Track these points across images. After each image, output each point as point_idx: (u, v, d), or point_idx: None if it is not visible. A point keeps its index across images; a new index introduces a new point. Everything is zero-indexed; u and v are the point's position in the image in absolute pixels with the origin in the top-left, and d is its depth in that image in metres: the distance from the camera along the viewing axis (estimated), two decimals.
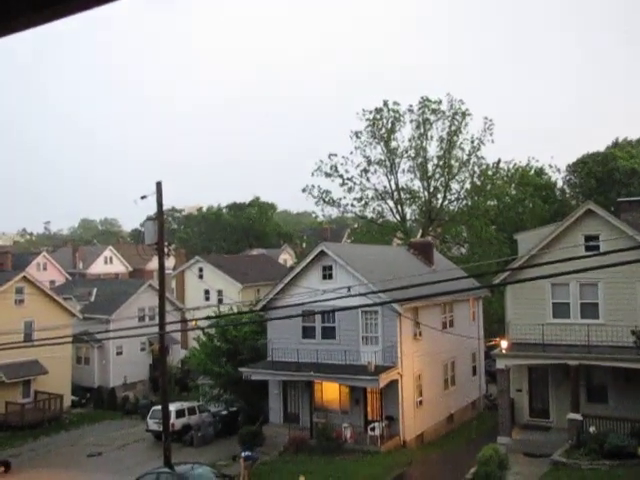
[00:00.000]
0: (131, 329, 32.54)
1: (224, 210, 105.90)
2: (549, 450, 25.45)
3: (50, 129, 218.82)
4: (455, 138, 53.32)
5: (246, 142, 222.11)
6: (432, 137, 53.64)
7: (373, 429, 29.72)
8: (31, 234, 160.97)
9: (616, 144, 67.81)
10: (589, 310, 28.08)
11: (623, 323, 26.54)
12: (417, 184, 55.04)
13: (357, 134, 54.17)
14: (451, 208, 56.24)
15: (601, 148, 67.05)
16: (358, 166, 54.31)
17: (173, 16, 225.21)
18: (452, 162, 53.84)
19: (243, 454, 27.28)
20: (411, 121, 53.63)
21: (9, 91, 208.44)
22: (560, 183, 64.93)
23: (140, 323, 46.03)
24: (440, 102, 53.28)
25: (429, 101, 53.34)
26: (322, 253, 32.35)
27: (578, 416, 25.96)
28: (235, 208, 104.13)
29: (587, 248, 26.83)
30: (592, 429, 25.50)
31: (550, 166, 62.74)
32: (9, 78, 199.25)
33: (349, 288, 27.09)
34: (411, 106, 53.49)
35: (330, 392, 32.02)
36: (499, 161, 55.65)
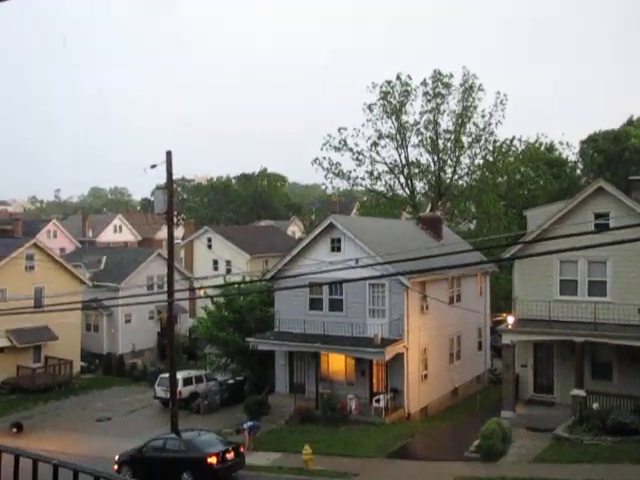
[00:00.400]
0: (140, 297, 32.84)
1: (233, 181, 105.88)
2: (552, 425, 25.66)
3: (62, 96, 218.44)
4: (467, 112, 52.83)
5: (259, 113, 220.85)
6: (444, 111, 53.19)
7: (378, 401, 30.01)
8: (41, 201, 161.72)
9: (631, 122, 66.89)
10: (597, 288, 28.07)
11: (630, 301, 26.52)
12: (427, 158, 54.75)
13: (370, 107, 53.76)
14: (460, 183, 55.96)
15: (616, 126, 66.26)
16: (368, 139, 54.03)
17: None
18: (463, 137, 53.42)
19: (245, 425, 27.66)
20: (423, 94, 53.13)
21: (24, 55, 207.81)
22: (572, 159, 64.39)
23: (149, 291, 46.40)
24: (452, 76, 52.72)
25: (441, 74, 52.78)
26: (331, 225, 32.37)
27: (582, 392, 26.12)
28: (244, 179, 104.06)
29: (597, 226, 26.71)
30: (595, 405, 25.68)
31: (561, 143, 62.21)
32: (25, 41, 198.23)
33: (357, 260, 27.19)
34: (424, 80, 52.96)
35: (336, 363, 32.30)
36: (513, 138, 55.22)
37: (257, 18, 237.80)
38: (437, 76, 52.77)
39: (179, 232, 70.17)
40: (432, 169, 54.71)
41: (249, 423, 27.78)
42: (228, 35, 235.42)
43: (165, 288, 32.23)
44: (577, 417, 25.53)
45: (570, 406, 26.32)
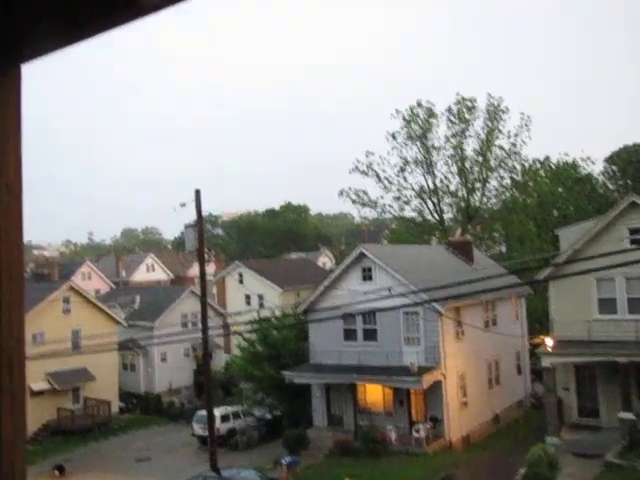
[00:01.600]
0: (174, 335, 33.03)
1: (260, 216, 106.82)
2: (600, 451, 24.91)
3: (93, 141, 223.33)
4: (492, 136, 52.79)
5: (279, 145, 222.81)
6: (470, 135, 53.24)
7: (418, 430, 29.56)
8: (75, 245, 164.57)
9: None
10: (637, 305, 27.45)
11: None
12: (455, 182, 54.66)
13: (393, 135, 54.06)
14: (489, 206, 55.68)
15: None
16: (395, 166, 54.23)
17: (213, 23, 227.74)
18: (490, 159, 53.31)
19: (284, 460, 27.44)
20: (447, 120, 53.31)
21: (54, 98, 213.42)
22: (597, 176, 63.54)
23: (183, 329, 46.65)
24: (475, 100, 52.87)
25: (464, 99, 52.95)
26: (361, 255, 32.35)
27: (630, 415, 25.37)
28: (270, 214, 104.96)
29: (632, 242, 26.25)
30: None
31: (582, 159, 61.39)
32: (58, 82, 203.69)
33: (390, 289, 27.06)
34: (449, 107, 53.21)
35: (373, 394, 31.97)
36: (546, 158, 55.12)
37: (275, 49, 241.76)
38: (460, 101, 52.96)
39: (210, 268, 70.65)
40: (460, 193, 54.57)
41: (288, 458, 27.55)
42: (246, 71, 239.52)
43: (199, 325, 32.40)
44: (627, 442, 24.76)
45: (618, 430, 25.57)
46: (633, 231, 27.10)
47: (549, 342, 28.31)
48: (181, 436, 37.96)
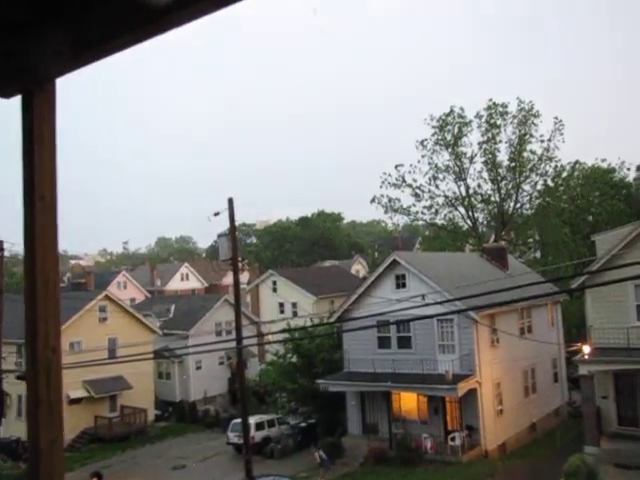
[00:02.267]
0: (209, 344, 33.24)
1: (294, 224, 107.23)
2: None
3: (125, 149, 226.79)
4: (525, 140, 52.23)
5: (313, 150, 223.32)
6: (501, 140, 52.74)
7: (453, 439, 29.26)
8: (111, 254, 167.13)
9: None
10: None
11: None
12: (487, 188, 54.17)
13: (422, 143, 53.74)
14: (523, 212, 55.04)
15: None
16: (426, 174, 53.93)
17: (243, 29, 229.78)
18: (523, 164, 52.73)
19: (317, 453, 27.77)
20: (479, 126, 52.89)
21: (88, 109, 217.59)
22: (631, 180, 62.33)
23: (218, 338, 46.97)
24: (507, 105, 52.38)
25: (496, 105, 52.50)
26: (394, 262, 32.22)
27: None
28: (303, 222, 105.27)
29: None
30: None
31: (620, 165, 60.14)
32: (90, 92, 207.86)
33: (423, 296, 26.88)
34: (478, 113, 52.77)
35: (408, 402, 31.75)
36: (576, 162, 54.30)
37: (304, 61, 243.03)
38: (492, 107, 52.51)
39: (244, 277, 71.05)
40: (493, 199, 54.05)
41: (320, 452, 28.03)
42: (278, 80, 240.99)
43: (233, 334, 32.57)
44: None
45: None
46: None
47: (586, 349, 27.78)
48: (216, 444, 38.18)
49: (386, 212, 55.72)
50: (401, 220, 58.12)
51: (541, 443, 32.45)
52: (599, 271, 27.05)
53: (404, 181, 54.01)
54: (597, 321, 28.38)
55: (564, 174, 53.79)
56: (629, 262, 22.12)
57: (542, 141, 52.24)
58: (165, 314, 53.53)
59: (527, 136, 52.21)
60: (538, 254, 56.10)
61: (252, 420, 33.00)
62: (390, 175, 54.31)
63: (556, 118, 52.33)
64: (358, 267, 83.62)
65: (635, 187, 61.82)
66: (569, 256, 47.25)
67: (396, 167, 54.14)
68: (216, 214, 25.63)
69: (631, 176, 61.59)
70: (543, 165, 52.80)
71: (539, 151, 52.63)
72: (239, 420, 29.46)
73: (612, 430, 28.33)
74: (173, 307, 54.23)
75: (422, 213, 55.02)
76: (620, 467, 25.02)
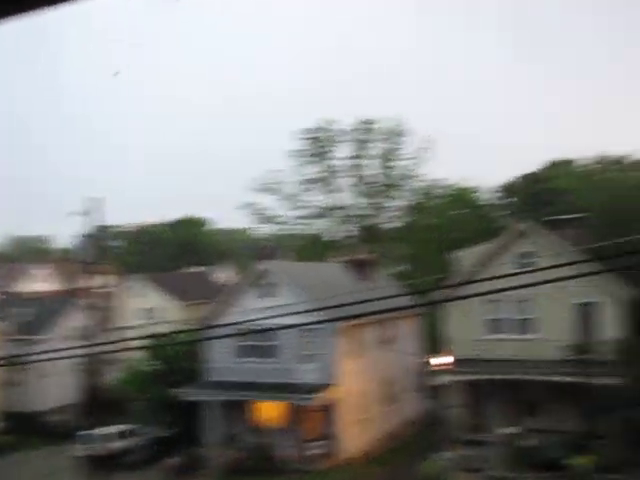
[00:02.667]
0: (63, 350, 31.37)
1: (162, 229, 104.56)
2: (486, 465, 25.73)
3: None
4: (391, 157, 54.16)
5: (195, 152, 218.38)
6: (370, 155, 54.28)
7: (314, 448, 29.46)
8: None
9: (553, 164, 69.70)
10: (525, 325, 28.68)
11: (558, 337, 27.18)
12: (358, 201, 55.50)
13: (294, 153, 54.24)
14: (393, 225, 56.89)
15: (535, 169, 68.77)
16: (298, 184, 54.42)
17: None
18: (391, 179, 54.56)
19: (172, 464, 27.16)
20: (349, 140, 54.17)
21: None
22: (492, 201, 66.47)
23: (73, 343, 44.44)
24: (374, 122, 53.98)
25: (364, 122, 54.03)
26: (262, 271, 32.08)
27: (513, 429, 26.40)
28: (172, 227, 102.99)
29: (523, 265, 27.40)
30: (526, 442, 25.93)
31: (479, 186, 63.72)
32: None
33: (288, 306, 26.87)
34: (345, 128, 54.06)
35: (270, 411, 31.61)
36: (439, 179, 56.92)
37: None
38: (361, 122, 53.99)
39: (105, 280, 68.11)
40: (362, 212, 55.45)
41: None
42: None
43: (92, 339, 30.96)
44: (509, 455, 25.71)
45: (503, 444, 26.51)
46: (523, 255, 28.34)
47: (444, 360, 29.03)
48: (65, 456, 35.93)
49: (257, 220, 55.66)
50: (271, 228, 58.25)
51: (401, 450, 33.42)
52: (454, 286, 28.43)
53: (274, 188, 54.20)
54: (454, 333, 29.80)
55: (434, 191, 56.09)
56: (480, 279, 23.39)
57: (408, 159, 54.32)
58: (17, 318, 50.02)
59: (395, 152, 54.08)
60: (406, 267, 58.12)
61: (107, 430, 31.50)
62: (259, 178, 54.40)
63: (425, 135, 54.55)
64: (225, 274, 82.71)
65: (498, 207, 65.92)
66: (436, 270, 49.29)
67: (268, 172, 54.25)
68: (76, 214, 24.32)
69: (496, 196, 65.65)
70: (410, 182, 54.89)
71: (410, 167, 54.60)
72: (91, 431, 27.99)
73: (464, 437, 29.78)
74: (26, 310, 50.80)
75: (292, 223, 55.44)
76: (467, 471, 26.33)
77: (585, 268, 17.98)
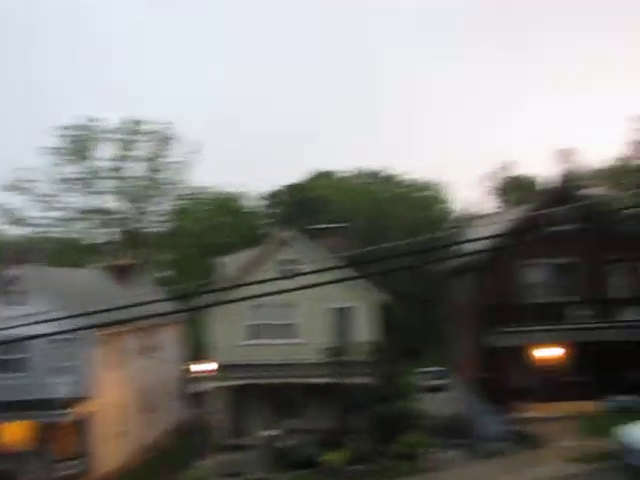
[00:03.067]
0: None
1: None
2: (247, 469, 26.01)
3: None
4: (159, 159, 52.97)
5: None
6: (135, 157, 52.52)
7: (66, 468, 27.41)
8: None
9: (319, 175, 73.15)
10: (287, 330, 29.58)
11: (320, 340, 28.44)
12: (121, 205, 53.28)
13: (50, 150, 50.47)
14: (156, 230, 55.52)
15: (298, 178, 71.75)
16: (53, 183, 50.71)
17: None
18: (156, 183, 53.31)
19: None
20: (114, 140, 51.88)
21: None
22: (257, 208, 68.26)
23: None
24: (141, 123, 52.43)
25: (130, 122, 52.20)
26: (11, 276, 29.25)
27: (273, 432, 27.09)
28: None
29: (284, 272, 28.23)
30: (285, 443, 26.74)
31: (244, 193, 65.03)
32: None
33: (40, 314, 24.75)
34: (112, 127, 51.73)
35: (15, 433, 28.74)
36: (205, 185, 56.89)
37: None
38: (127, 122, 52.06)
39: None
40: (124, 216, 53.33)
41: None
42: None
43: None
44: (269, 457, 26.30)
45: (263, 447, 27.03)
46: (284, 262, 29.24)
47: (206, 367, 28.87)
48: None
49: (5, 221, 50.77)
50: (24, 230, 53.47)
51: (161, 460, 32.48)
52: (216, 291, 28.41)
53: (23, 187, 49.88)
54: (218, 339, 29.77)
55: (200, 197, 55.89)
56: (242, 284, 23.69)
57: (175, 163, 53.58)
58: None
59: (160, 156, 52.95)
60: (170, 273, 57.02)
61: None
62: (10, 179, 49.76)
63: (194, 142, 54.16)
64: None
65: (262, 215, 67.59)
66: (199, 276, 49.00)
67: (14, 170, 49.65)
68: None
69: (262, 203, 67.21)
70: (176, 187, 54.12)
71: (178, 172, 53.79)
72: None
73: (226, 442, 29.87)
74: None
75: (47, 225, 51.49)
76: (228, 476, 26.36)
77: (342, 274, 18.97)
